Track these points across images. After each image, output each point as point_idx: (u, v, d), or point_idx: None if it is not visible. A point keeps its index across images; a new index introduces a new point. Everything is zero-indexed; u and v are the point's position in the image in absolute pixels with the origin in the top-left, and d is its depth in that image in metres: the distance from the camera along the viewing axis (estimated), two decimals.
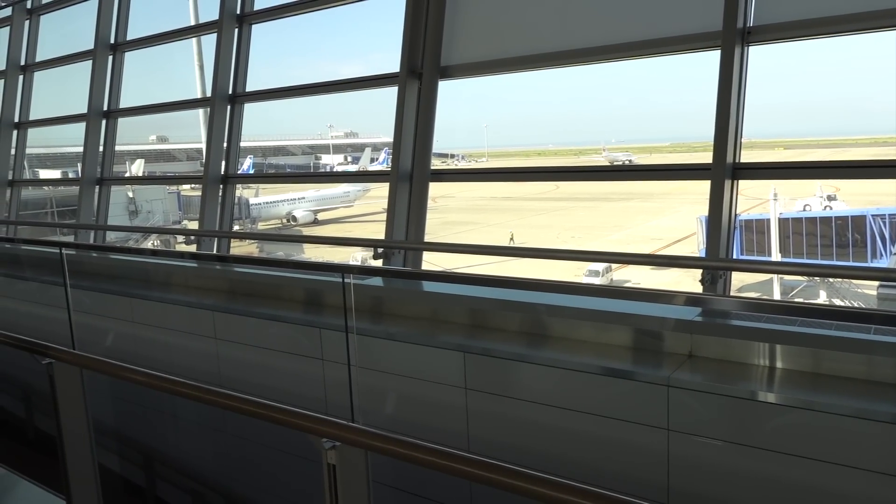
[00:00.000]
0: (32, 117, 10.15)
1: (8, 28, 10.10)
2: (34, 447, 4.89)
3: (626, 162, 31.03)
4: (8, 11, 10.12)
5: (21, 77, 10.07)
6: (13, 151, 10.16)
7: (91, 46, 8.66)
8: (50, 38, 10.11)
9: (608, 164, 29.19)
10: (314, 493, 1.98)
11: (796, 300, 12.68)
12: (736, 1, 4.16)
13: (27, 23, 10.02)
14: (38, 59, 10.04)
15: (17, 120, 10.07)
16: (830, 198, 18.06)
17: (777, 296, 14.28)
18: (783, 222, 15.87)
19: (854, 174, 4.41)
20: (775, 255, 15.60)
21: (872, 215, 15.01)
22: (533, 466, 1.59)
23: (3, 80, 10.09)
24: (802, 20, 4.12)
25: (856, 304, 13.69)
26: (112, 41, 8.62)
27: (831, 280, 13.88)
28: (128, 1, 8.63)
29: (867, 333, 3.01)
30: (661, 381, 3.07)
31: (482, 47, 5.51)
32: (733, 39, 4.17)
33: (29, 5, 9.96)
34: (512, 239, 24.49)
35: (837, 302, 13.86)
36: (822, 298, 14.15)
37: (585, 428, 3.29)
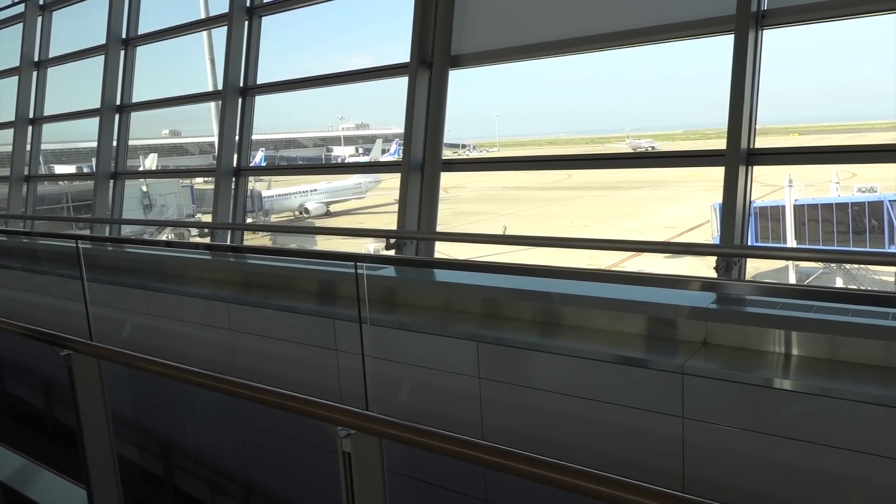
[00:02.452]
0: (47, 113, 10.23)
1: (21, 24, 10.18)
2: (54, 438, 4.96)
3: (649, 149, 31.03)
4: (21, 8, 10.20)
5: (35, 73, 10.15)
6: (28, 147, 10.26)
7: (103, 41, 8.71)
8: (62, 33, 10.18)
9: (631, 150, 29.40)
10: (330, 482, 2.00)
11: (812, 285, 12.57)
12: None
13: (40, 19, 10.09)
14: (52, 54, 10.11)
15: (31, 116, 10.16)
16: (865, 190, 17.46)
17: (793, 282, 14.16)
18: (798, 209, 15.70)
19: (871, 158, 4.35)
20: (791, 242, 15.46)
21: (890, 201, 14.81)
22: (547, 455, 1.60)
23: (17, 77, 10.18)
24: (817, 2, 4.06)
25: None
26: (124, 36, 8.67)
27: (848, 266, 13.75)
28: None
29: (885, 319, 2.98)
30: (675, 369, 3.06)
31: (492, 35, 5.47)
32: (747, 23, 4.11)
33: (41, 1, 10.02)
34: (505, 231, 24.39)
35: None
36: (839, 285, 14.02)
37: (599, 416, 3.28)
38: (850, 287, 12.78)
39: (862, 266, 13.64)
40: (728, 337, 3.22)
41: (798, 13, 4.14)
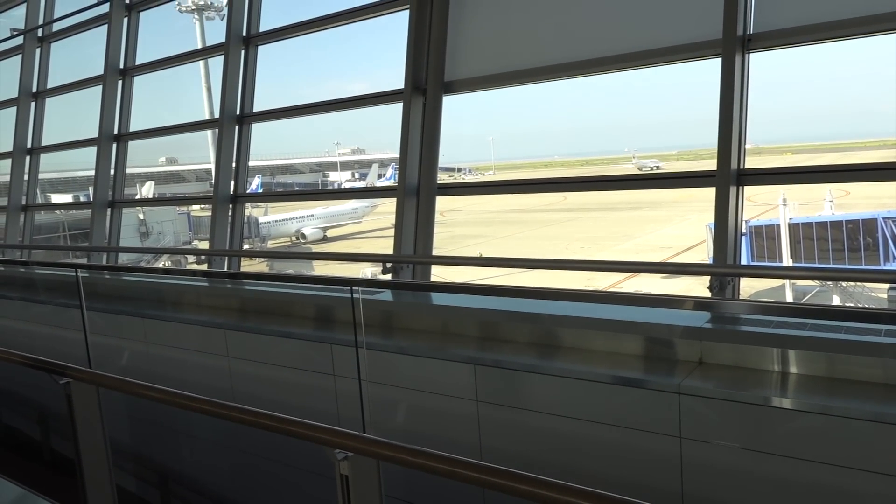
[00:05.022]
0: (45, 143, 10.31)
1: (20, 56, 10.29)
2: (52, 467, 4.93)
3: (654, 168, 31.97)
4: (20, 40, 10.33)
5: (33, 104, 10.24)
6: (26, 177, 10.31)
7: (101, 72, 8.81)
8: (60, 64, 10.29)
9: (638, 170, 30.47)
10: None
11: (805, 303, 12.59)
12: (735, 9, 4.19)
13: (38, 51, 10.21)
14: (50, 85, 10.21)
15: (29, 146, 10.23)
16: None
17: (789, 301, 14.17)
18: (793, 227, 15.78)
19: (858, 178, 4.41)
20: (787, 261, 15.50)
21: (884, 218, 14.90)
22: (545, 476, 1.61)
23: (15, 108, 10.27)
24: (803, 26, 4.15)
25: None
26: (121, 66, 8.77)
27: (844, 284, 13.79)
28: (136, 26, 8.79)
29: (879, 336, 3.00)
30: (671, 389, 3.08)
31: (485, 62, 5.57)
32: (734, 47, 4.20)
33: (40, 34, 10.15)
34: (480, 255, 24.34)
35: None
36: (835, 303, 14.05)
37: (597, 437, 3.29)
38: (845, 305, 12.82)
39: (858, 283, 13.67)
40: (723, 356, 3.24)
41: (783, 37, 4.23)
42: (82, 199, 16.29)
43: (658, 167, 33.75)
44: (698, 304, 3.43)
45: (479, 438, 3.64)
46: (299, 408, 4.37)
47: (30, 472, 4.44)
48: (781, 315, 3.39)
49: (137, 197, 19.95)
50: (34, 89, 10.23)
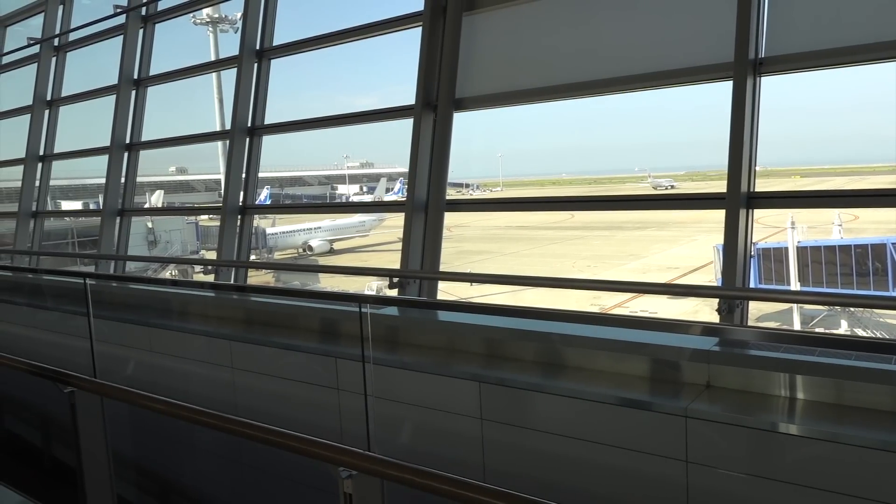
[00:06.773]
0: (57, 150, 10.39)
1: (35, 65, 10.42)
2: (53, 475, 4.91)
3: (669, 188, 32.26)
4: (36, 49, 10.46)
5: (47, 112, 10.34)
6: (37, 183, 10.39)
7: (115, 81, 8.90)
8: (75, 73, 10.40)
9: (653, 188, 30.88)
10: None
11: (815, 330, 12.50)
12: (747, 33, 4.21)
13: (54, 59, 10.33)
14: (64, 94, 10.32)
15: (42, 153, 10.32)
16: None
17: (797, 325, 14.08)
18: (801, 251, 15.70)
19: (866, 203, 4.38)
20: (794, 284, 15.40)
21: (893, 244, 14.80)
22: (548, 498, 1.59)
23: (30, 115, 10.37)
24: (814, 51, 4.15)
25: (878, 334, 13.47)
26: (135, 76, 8.86)
27: (852, 309, 13.68)
28: (151, 37, 8.89)
29: (888, 364, 2.97)
30: (678, 412, 3.05)
31: (496, 80, 5.59)
32: (745, 71, 4.20)
33: (56, 43, 10.28)
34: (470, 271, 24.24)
35: (859, 331, 13.63)
36: (844, 328, 13.94)
37: (602, 459, 3.25)
38: (856, 335, 12.71)
39: (866, 309, 13.56)
40: (731, 379, 3.21)
41: (794, 61, 4.23)
42: (92, 206, 16.39)
43: (672, 186, 34.04)
44: (706, 329, 3.40)
45: (483, 457, 3.61)
46: (303, 422, 4.34)
47: (30, 480, 4.42)
48: (791, 343, 3.36)
49: (147, 206, 20.07)
50: (48, 97, 10.34)
